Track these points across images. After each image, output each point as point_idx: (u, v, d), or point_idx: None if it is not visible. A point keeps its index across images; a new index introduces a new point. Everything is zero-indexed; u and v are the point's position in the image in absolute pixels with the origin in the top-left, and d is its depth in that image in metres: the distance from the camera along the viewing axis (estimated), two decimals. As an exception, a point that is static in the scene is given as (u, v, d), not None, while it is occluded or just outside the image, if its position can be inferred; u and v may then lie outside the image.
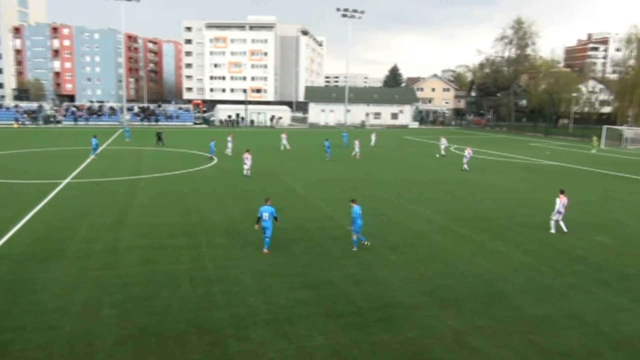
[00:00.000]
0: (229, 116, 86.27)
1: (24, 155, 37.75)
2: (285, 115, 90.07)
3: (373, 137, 53.15)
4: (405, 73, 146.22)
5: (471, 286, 13.22)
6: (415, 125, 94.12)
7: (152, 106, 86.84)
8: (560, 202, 18.48)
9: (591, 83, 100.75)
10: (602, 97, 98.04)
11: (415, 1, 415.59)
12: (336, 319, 11.12)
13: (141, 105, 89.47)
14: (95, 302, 11.67)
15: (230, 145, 40.58)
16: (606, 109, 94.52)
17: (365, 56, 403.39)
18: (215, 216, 20.06)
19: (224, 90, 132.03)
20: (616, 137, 59.96)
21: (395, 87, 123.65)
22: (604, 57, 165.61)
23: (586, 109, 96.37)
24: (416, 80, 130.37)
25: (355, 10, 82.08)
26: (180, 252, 15.48)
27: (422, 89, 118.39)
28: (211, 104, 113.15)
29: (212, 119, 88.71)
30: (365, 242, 16.25)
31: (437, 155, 43.80)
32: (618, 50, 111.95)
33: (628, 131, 60.61)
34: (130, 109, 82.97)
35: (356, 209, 15.75)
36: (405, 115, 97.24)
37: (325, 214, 21.10)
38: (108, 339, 10.01)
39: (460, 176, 32.40)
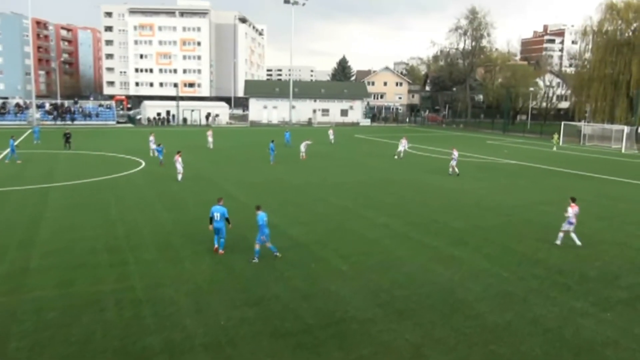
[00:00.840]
0: (158, 114, 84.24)
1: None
2: (222, 112, 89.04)
3: (331, 134, 56.02)
4: (355, 66, 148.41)
5: (429, 295, 13.56)
6: (367, 122, 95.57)
7: (66, 103, 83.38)
8: (572, 211, 17.88)
9: (548, 77, 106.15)
10: (560, 91, 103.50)
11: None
12: (284, 338, 11.08)
13: (54, 101, 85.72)
14: (1, 333, 11.04)
15: (153, 146, 39.96)
16: (564, 104, 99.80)
17: (311, 47, 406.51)
18: (143, 228, 19.51)
19: (151, 85, 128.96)
20: (575, 133, 63.39)
21: (345, 81, 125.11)
22: (561, 50, 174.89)
23: (544, 104, 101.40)
24: (367, 73, 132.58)
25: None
26: (103, 270, 14.93)
27: (373, 83, 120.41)
28: (137, 100, 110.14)
29: (138, 117, 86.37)
30: (276, 254, 16.23)
31: (396, 157, 44.56)
32: (574, 42, 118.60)
33: (586, 127, 64.26)
34: (40, 106, 79.28)
35: (262, 215, 15.90)
36: (356, 112, 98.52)
37: (269, 221, 20.96)
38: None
39: (414, 178, 33.21)
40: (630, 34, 65.13)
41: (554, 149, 54.10)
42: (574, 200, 18.37)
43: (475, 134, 76.95)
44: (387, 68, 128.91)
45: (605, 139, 60.57)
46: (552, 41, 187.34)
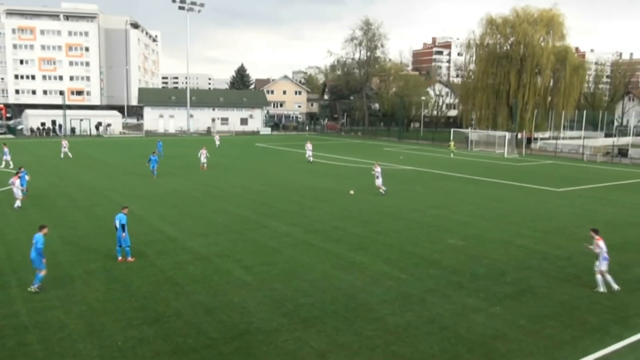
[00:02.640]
0: (43, 124, 78.56)
1: None
2: (115, 121, 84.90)
3: (217, 140, 60.15)
4: (254, 74, 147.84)
5: (333, 301, 13.79)
6: (267, 131, 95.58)
7: None
8: (602, 244, 14.45)
9: (438, 86, 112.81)
10: (449, 100, 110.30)
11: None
12: (186, 355, 10.74)
13: None
14: None
15: (7, 157, 39.20)
16: (453, 112, 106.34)
17: (208, 54, 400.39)
18: (26, 248, 18.01)
19: (34, 93, 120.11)
20: (463, 139, 67.69)
21: (244, 90, 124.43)
22: (448, 61, 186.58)
23: (435, 113, 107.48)
24: (266, 82, 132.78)
25: (193, 3, 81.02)
26: (-20, 296, 13.60)
27: (272, 92, 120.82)
28: (18, 109, 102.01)
29: (19, 127, 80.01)
30: (119, 257, 16.66)
31: (311, 162, 45.91)
32: (460, 54, 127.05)
33: (473, 134, 68.89)
34: None
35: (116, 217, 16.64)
36: (256, 121, 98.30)
37: (166, 235, 20.31)
38: None
39: (314, 185, 33.69)
40: (508, 47, 70.85)
41: (452, 155, 56.66)
42: (596, 231, 14.75)
43: (372, 141, 79.65)
44: (286, 77, 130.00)
45: (490, 145, 65.25)
46: (441, 53, 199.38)
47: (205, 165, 40.07)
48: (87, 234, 19.78)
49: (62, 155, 45.86)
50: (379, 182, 30.02)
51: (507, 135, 61.27)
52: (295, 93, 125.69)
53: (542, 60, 66.14)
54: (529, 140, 68.02)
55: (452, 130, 67.96)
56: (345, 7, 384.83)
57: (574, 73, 68.68)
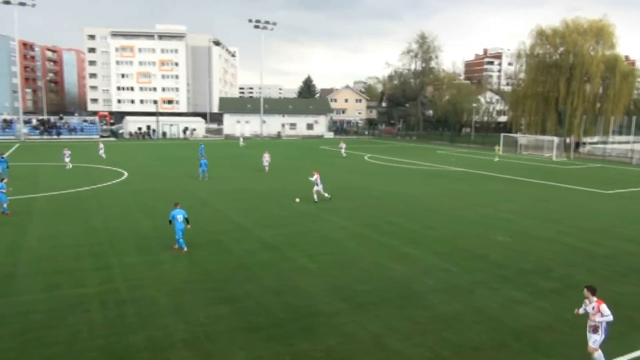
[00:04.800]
0: (139, 128, 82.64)
1: None
2: (199, 126, 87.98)
3: (241, 141, 62.72)
4: (319, 84, 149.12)
5: (387, 289, 13.67)
6: (330, 135, 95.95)
7: (52, 118, 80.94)
8: (607, 309, 9.53)
9: (489, 94, 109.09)
10: (499, 107, 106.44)
11: (323, 16, 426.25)
12: (257, 332, 10.98)
13: (40, 117, 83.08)
14: (-11, 335, 10.60)
15: (67, 159, 39.19)
16: (503, 118, 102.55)
17: (279, 67, 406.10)
18: (126, 234, 19.06)
19: (133, 102, 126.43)
20: (512, 143, 65.16)
21: (310, 98, 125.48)
22: (499, 71, 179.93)
23: (485, 118, 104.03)
24: (329, 91, 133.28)
25: (267, 22, 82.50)
26: (88, 274, 14.51)
27: (335, 100, 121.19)
28: (120, 116, 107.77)
29: (120, 131, 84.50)
30: (184, 249, 16.77)
31: (345, 156, 46.40)
32: (510, 64, 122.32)
33: (522, 138, 66.17)
34: (27, 122, 76.71)
35: (175, 212, 16.79)
36: (321, 126, 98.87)
37: (239, 225, 20.83)
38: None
39: (369, 184, 33.47)
40: (558, 56, 67.50)
41: (496, 159, 54.78)
42: (593, 291, 9.73)
43: (426, 144, 78.18)
44: (347, 86, 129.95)
45: (539, 149, 62.45)
46: (491, 63, 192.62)
47: (267, 168, 38.86)
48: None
49: (100, 154, 45.79)
50: (318, 188, 26.37)
51: (556, 139, 58.41)
52: (356, 101, 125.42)
53: (591, 68, 62.52)
54: (577, 145, 64.54)
55: (501, 135, 65.61)
56: (402, 22, 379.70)
57: (624, 80, 64.45)
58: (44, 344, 10.24)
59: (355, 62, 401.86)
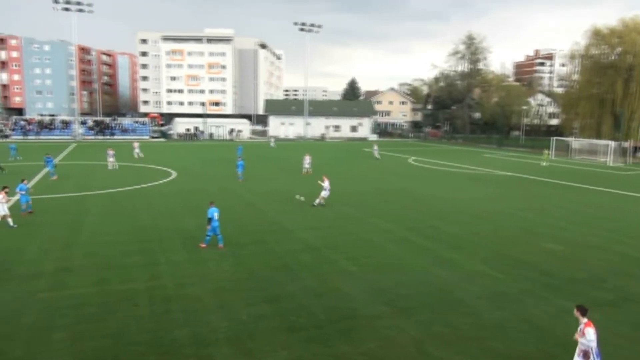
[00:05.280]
0: (187, 129, 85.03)
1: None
2: (244, 128, 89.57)
3: (272, 143, 62.77)
4: (364, 86, 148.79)
5: (430, 294, 13.46)
6: (374, 137, 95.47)
7: (107, 119, 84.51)
8: (594, 333, 8.84)
9: (539, 96, 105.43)
10: (550, 109, 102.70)
11: (369, 19, 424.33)
12: (297, 332, 11.07)
13: (95, 118, 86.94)
14: (46, 325, 11.17)
15: (111, 159, 39.88)
16: (554, 121, 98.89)
17: (323, 69, 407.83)
18: (173, 232, 19.65)
19: (181, 104, 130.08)
20: (564, 147, 62.71)
21: (354, 100, 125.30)
22: (550, 72, 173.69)
23: (536, 121, 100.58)
24: (374, 93, 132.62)
25: (312, 25, 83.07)
26: (137, 270, 15.06)
27: (380, 102, 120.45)
28: (169, 117, 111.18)
29: (170, 132, 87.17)
30: (203, 244, 17.36)
31: (378, 158, 48.08)
32: (563, 65, 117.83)
33: (575, 142, 63.55)
34: (83, 123, 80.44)
35: (212, 210, 17.24)
36: (364, 128, 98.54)
37: (282, 226, 21.04)
38: (59, 363, 9.60)
39: (411, 187, 33.04)
40: (615, 57, 64.49)
41: (545, 163, 52.67)
42: (584, 311, 9.11)
43: (472, 147, 76.45)
44: (392, 89, 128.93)
45: (593, 153, 59.79)
46: (543, 64, 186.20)
47: (309, 170, 38.65)
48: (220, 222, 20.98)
49: (139, 156, 47.52)
50: (326, 193, 25.67)
51: (612, 143, 55.74)
52: (401, 103, 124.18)
53: (652, 69, 59.41)
54: (635, 149, 61.37)
55: (553, 138, 63.28)
56: (449, 23, 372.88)
57: (687, 81, 60.82)
58: (95, 336, 10.70)
59: (400, 64, 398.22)
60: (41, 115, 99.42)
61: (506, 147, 76.64)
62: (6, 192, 20.39)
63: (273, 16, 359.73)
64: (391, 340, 10.78)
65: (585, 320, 8.89)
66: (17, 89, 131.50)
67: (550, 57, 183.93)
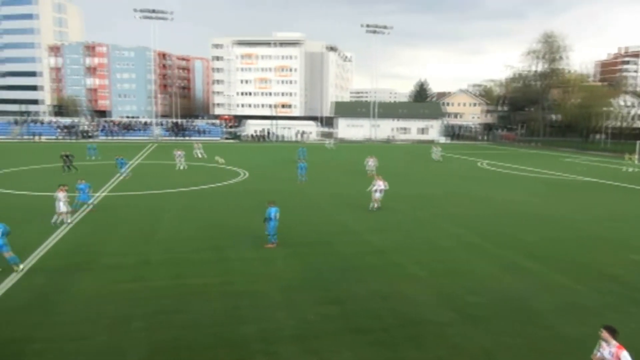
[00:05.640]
0: (255, 131, 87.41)
1: (57, 169, 38.70)
2: (311, 130, 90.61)
3: (331, 144, 61.32)
4: (433, 87, 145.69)
5: (501, 304, 12.90)
6: (443, 140, 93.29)
7: (184, 122, 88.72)
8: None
9: (625, 97, 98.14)
10: (638, 111, 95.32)
11: (440, 18, 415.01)
12: (363, 335, 10.99)
13: (172, 120, 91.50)
14: (126, 313, 11.86)
15: (182, 159, 40.98)
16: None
17: (391, 71, 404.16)
18: (243, 230, 20.20)
19: (252, 106, 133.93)
20: (653, 152, 57.95)
21: (423, 102, 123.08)
22: (636, 71, 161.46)
23: (622, 124, 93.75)
24: (444, 94, 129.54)
25: (384, 27, 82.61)
26: (209, 266, 15.63)
27: (450, 104, 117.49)
28: (240, 119, 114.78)
29: (243, 133, 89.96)
30: (273, 242, 17.59)
31: (440, 159, 47.78)
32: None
33: (665, 146, 58.49)
34: (161, 124, 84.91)
35: (271, 210, 17.47)
36: (433, 130, 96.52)
37: (349, 228, 21.00)
38: (139, 350, 10.15)
39: (483, 191, 31.84)
40: None
41: (630, 169, 48.87)
42: (613, 332, 8.54)
43: (549, 151, 72.58)
44: (463, 90, 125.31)
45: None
46: (628, 62, 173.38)
47: (373, 172, 36.69)
48: (290, 223, 21.29)
49: (199, 156, 48.65)
50: (376, 195, 24.77)
51: None
52: (472, 105, 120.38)
53: None
54: None
55: (638, 142, 58.65)
56: (526, 21, 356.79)
57: None
58: (170, 327, 11.22)
59: (471, 65, 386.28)
60: (126, 117, 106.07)
61: (587, 151, 72.09)
62: (65, 190, 20.88)
63: (341, 19, 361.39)
64: (460, 349, 10.44)
65: (615, 343, 8.01)
66: (103, 92, 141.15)
67: (637, 54, 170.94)
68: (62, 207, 20.36)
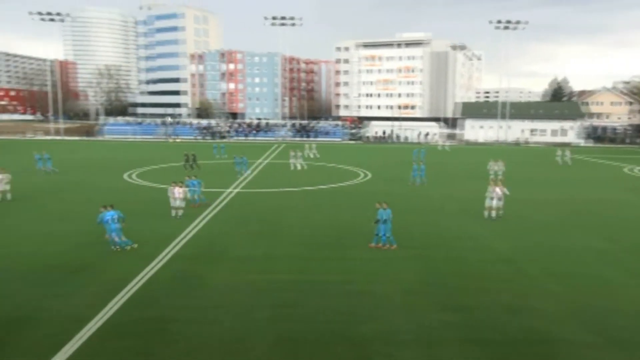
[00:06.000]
0: (376, 132, 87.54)
1: (208, 166, 42.31)
2: (435, 131, 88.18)
3: (444, 145, 58.00)
4: (573, 85, 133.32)
5: (654, 330, 11.32)
6: (581, 142, 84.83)
7: (311, 123, 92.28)
8: None
9: None
10: None
11: (583, 9, 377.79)
12: (487, 346, 10.40)
13: (299, 122, 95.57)
14: (252, 303, 12.56)
15: (293, 161, 41.11)
16: None
17: (524, 69, 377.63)
18: (363, 231, 20.23)
19: (373, 107, 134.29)
20: None
21: (559, 102, 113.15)
22: None
23: None
24: (585, 93, 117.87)
25: (517, 22, 77.72)
26: (331, 263, 15.94)
27: (593, 103, 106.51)
28: (363, 121, 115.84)
29: (366, 135, 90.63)
30: (390, 245, 17.27)
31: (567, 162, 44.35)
32: None
33: None
34: (293, 125, 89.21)
35: (382, 212, 17.21)
36: (571, 132, 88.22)
37: (473, 233, 19.97)
38: (262, 339, 10.70)
39: (628, 200, 28.18)
40: None
41: None
42: None
43: None
44: (609, 87, 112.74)
45: None
46: None
47: (496, 178, 32.64)
48: (407, 224, 20.96)
49: (313, 156, 48.70)
50: (492, 203, 22.25)
51: None
52: (619, 104, 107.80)
53: None
54: None
55: None
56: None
57: None
58: (292, 319, 11.65)
59: (618, 59, 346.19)
60: (257, 118, 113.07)
61: None
62: (180, 187, 22.20)
63: (469, 17, 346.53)
64: (601, 375, 9.37)
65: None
66: (237, 96, 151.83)
67: None
68: (177, 202, 21.88)
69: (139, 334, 10.91)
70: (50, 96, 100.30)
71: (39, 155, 38.14)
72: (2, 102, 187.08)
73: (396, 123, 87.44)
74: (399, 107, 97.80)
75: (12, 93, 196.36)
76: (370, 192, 29.91)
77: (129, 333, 10.93)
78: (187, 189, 23.05)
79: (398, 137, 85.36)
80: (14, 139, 77.97)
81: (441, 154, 60.65)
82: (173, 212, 22.04)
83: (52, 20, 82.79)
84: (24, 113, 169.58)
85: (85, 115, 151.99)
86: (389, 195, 28.90)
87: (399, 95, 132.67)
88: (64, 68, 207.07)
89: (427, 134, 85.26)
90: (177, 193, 21.87)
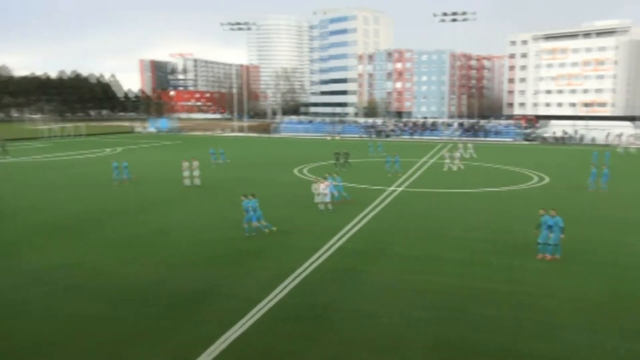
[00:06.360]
0: (554, 132, 79.20)
1: (362, 164, 43.28)
2: (627, 132, 76.40)
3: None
4: None
5: None
6: None
7: (481, 122, 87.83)
8: None
9: None
10: None
11: None
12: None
13: (467, 120, 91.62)
14: (411, 303, 12.45)
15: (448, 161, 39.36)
16: None
17: None
18: (532, 238, 18.44)
19: (552, 105, 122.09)
20: None
21: None
22: None
23: None
24: None
25: None
26: (496, 271, 15.01)
27: None
28: (544, 120, 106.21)
29: (542, 134, 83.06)
30: (553, 255, 15.70)
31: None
32: None
33: None
34: (461, 124, 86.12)
35: (546, 218, 15.81)
36: None
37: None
38: (420, 340, 10.57)
39: None
40: None
41: None
42: None
43: None
44: None
45: None
46: None
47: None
48: (586, 236, 18.69)
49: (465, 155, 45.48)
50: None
51: None
52: None
53: None
54: None
55: None
56: None
57: None
58: (454, 325, 11.25)
59: None
60: (422, 118, 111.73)
61: None
62: (323, 183, 22.90)
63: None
64: None
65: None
66: (404, 95, 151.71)
67: None
68: (321, 197, 22.51)
69: (304, 318, 11.63)
70: (235, 97, 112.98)
71: (213, 150, 43.39)
72: (198, 103, 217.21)
73: (580, 122, 78.14)
74: (585, 105, 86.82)
75: (207, 95, 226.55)
76: (543, 198, 27.27)
77: (294, 317, 11.72)
78: (329, 183, 23.55)
79: (582, 137, 76.15)
80: (205, 135, 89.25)
81: (625, 158, 52.37)
82: (322, 207, 22.68)
83: (240, 29, 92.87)
84: (215, 112, 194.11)
85: (264, 114, 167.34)
86: (566, 200, 26.07)
87: (585, 91, 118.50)
88: (248, 72, 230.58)
89: (620, 135, 74.39)
90: (322, 188, 22.60)
